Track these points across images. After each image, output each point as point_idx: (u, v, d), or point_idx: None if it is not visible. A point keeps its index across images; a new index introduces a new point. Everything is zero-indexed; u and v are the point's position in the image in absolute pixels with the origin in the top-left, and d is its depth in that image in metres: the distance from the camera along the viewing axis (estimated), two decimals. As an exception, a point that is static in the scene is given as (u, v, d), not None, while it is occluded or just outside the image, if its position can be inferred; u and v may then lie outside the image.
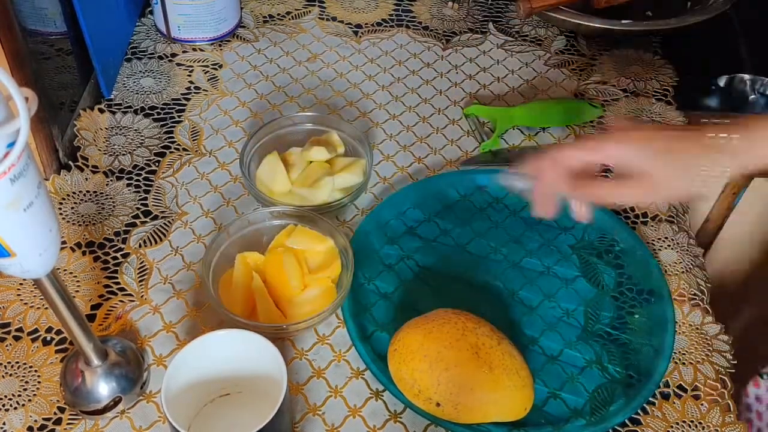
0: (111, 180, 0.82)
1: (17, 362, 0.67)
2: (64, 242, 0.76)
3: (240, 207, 0.81)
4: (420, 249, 0.77)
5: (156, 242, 0.77)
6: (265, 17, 1.06)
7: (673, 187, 0.55)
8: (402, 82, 0.97)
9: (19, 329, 0.69)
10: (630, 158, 0.55)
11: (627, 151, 0.55)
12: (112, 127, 0.88)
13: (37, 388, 0.65)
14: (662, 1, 1.07)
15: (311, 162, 0.81)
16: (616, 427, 0.64)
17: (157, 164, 0.84)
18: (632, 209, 0.82)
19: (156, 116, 0.90)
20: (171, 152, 0.86)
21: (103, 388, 0.62)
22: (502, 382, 0.59)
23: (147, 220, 0.79)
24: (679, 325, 0.72)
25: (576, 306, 0.73)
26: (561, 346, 0.69)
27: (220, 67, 0.98)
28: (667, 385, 0.68)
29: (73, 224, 0.78)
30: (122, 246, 0.76)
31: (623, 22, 1.00)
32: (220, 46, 1.01)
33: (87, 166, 0.84)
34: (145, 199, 0.81)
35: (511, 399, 0.60)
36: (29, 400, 0.64)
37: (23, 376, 0.66)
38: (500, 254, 0.77)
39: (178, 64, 0.97)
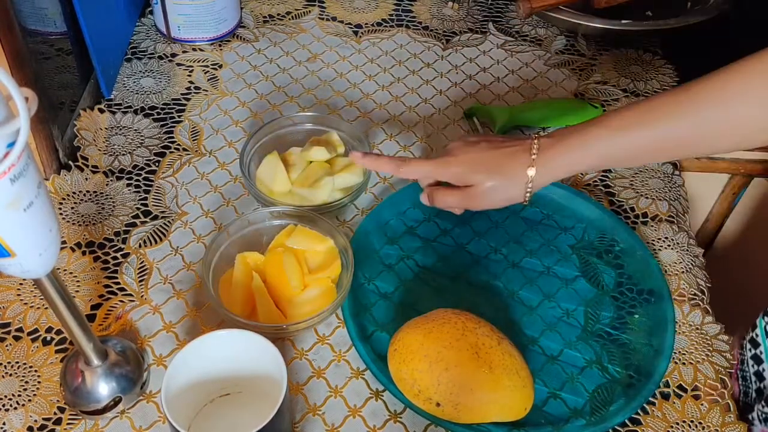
0: (111, 180, 0.82)
1: (17, 362, 0.67)
2: (64, 242, 0.76)
3: (240, 207, 0.81)
4: (420, 249, 0.77)
5: (156, 242, 0.77)
6: (265, 17, 1.06)
7: (495, 198, 0.69)
8: (402, 82, 0.97)
9: (19, 329, 0.69)
10: (465, 176, 0.69)
11: (463, 170, 0.69)
12: (112, 127, 0.88)
13: (37, 388, 0.65)
14: (662, 1, 1.07)
15: (311, 162, 0.81)
16: (616, 427, 0.64)
17: (157, 164, 0.84)
18: (632, 209, 0.82)
19: (156, 116, 0.90)
20: (171, 152, 0.86)
21: (103, 388, 0.62)
22: (502, 382, 0.59)
23: (147, 220, 0.79)
24: (679, 325, 0.72)
25: (576, 306, 0.73)
26: (561, 346, 0.69)
27: (220, 67, 0.98)
28: (667, 385, 0.68)
29: (73, 224, 0.78)
30: (122, 246, 0.76)
31: (623, 22, 1.00)
32: (220, 46, 1.01)
33: (87, 166, 0.84)
34: (145, 199, 0.81)
35: (511, 399, 0.60)
36: (29, 400, 0.64)
37: (23, 376, 0.66)
38: (500, 254, 0.77)
39: (178, 64, 0.97)
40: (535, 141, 0.67)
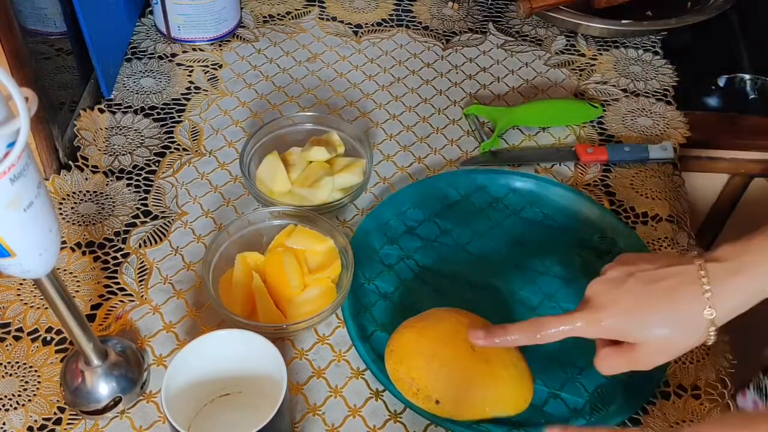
0: (111, 180, 0.82)
1: (17, 362, 0.67)
2: (64, 242, 0.76)
3: (240, 207, 0.81)
4: (420, 249, 0.77)
5: (156, 242, 0.77)
6: (265, 17, 1.06)
7: (671, 352, 0.56)
8: (402, 82, 0.97)
9: (19, 329, 0.69)
10: (624, 332, 0.56)
11: (620, 324, 0.55)
12: (112, 127, 0.88)
13: (37, 388, 0.65)
14: (662, 1, 1.07)
15: (311, 162, 0.81)
16: (616, 427, 0.64)
17: (157, 164, 0.84)
18: (632, 209, 0.82)
19: (156, 116, 0.90)
20: (171, 152, 0.86)
21: (103, 388, 0.62)
22: (499, 374, 0.59)
23: (147, 220, 0.79)
24: (679, 325, 0.72)
25: (576, 306, 0.72)
26: (561, 346, 0.69)
27: (220, 67, 0.98)
28: (667, 384, 0.68)
29: (73, 224, 0.78)
30: (122, 246, 0.76)
31: (623, 22, 1.00)
32: (220, 46, 1.01)
33: (87, 166, 0.84)
34: (145, 199, 0.81)
35: (510, 391, 0.60)
36: (29, 400, 0.64)
37: (23, 376, 0.66)
38: (500, 254, 0.77)
39: (178, 64, 0.97)
40: (701, 268, 0.53)
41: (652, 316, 0.54)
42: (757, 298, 0.52)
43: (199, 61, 0.98)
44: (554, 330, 0.57)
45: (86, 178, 0.82)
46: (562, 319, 0.57)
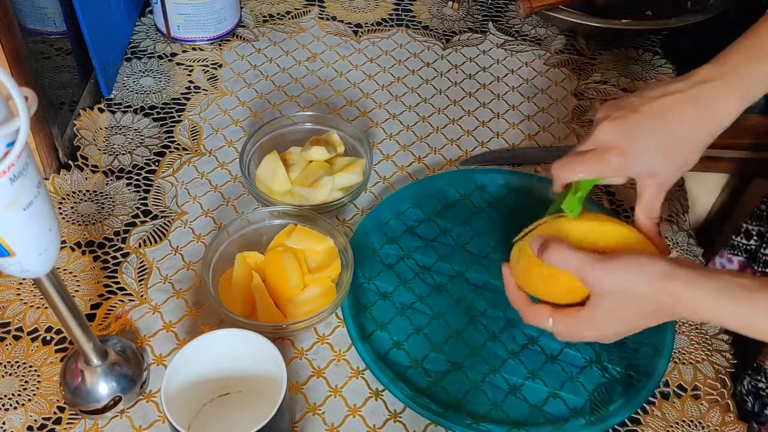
0: (111, 179, 0.82)
1: (17, 362, 0.67)
2: (63, 242, 0.76)
3: (240, 206, 0.81)
4: (420, 248, 0.77)
5: (156, 242, 0.77)
6: (264, 17, 1.06)
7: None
8: (402, 82, 0.97)
9: (19, 329, 0.69)
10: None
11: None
12: (111, 127, 0.88)
13: (37, 388, 0.65)
14: (662, 0, 1.07)
15: (311, 161, 0.81)
16: (615, 426, 0.64)
17: (156, 164, 0.84)
18: (632, 209, 0.82)
19: (156, 116, 0.90)
20: (171, 152, 0.86)
21: (103, 388, 0.62)
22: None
23: (147, 219, 0.79)
24: (679, 325, 0.72)
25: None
26: (561, 346, 0.69)
27: (220, 66, 0.98)
28: (666, 384, 0.68)
29: (73, 224, 0.78)
30: (122, 246, 0.76)
31: (623, 21, 1.00)
32: (219, 45, 1.01)
33: (87, 166, 0.84)
34: (145, 198, 0.81)
35: None
36: (29, 400, 0.64)
37: (23, 376, 0.66)
38: (500, 253, 0.77)
39: (178, 64, 0.97)
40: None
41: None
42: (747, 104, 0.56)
43: (198, 61, 0.98)
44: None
45: (86, 178, 0.82)
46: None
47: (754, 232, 0.69)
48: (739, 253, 0.73)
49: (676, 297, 0.51)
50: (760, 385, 0.65)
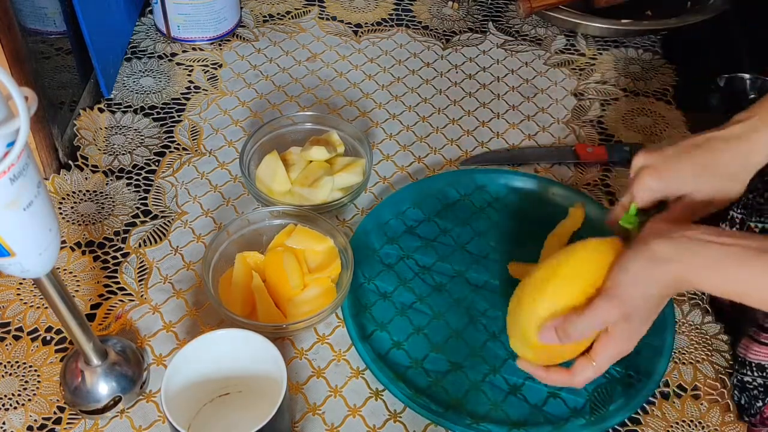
0: (111, 179, 0.82)
1: (17, 362, 0.67)
2: (63, 242, 0.76)
3: (240, 206, 0.81)
4: (420, 248, 0.77)
5: (156, 242, 0.77)
6: (264, 17, 1.06)
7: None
8: (402, 82, 0.97)
9: (19, 329, 0.69)
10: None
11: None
12: (111, 127, 0.88)
13: (37, 388, 0.65)
14: (662, 0, 1.07)
15: (311, 161, 0.81)
16: (615, 426, 0.64)
17: (156, 164, 0.84)
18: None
19: (156, 116, 0.90)
20: (171, 152, 0.86)
21: (103, 388, 0.62)
22: None
23: (147, 219, 0.79)
24: (679, 325, 0.72)
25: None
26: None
27: (220, 66, 0.98)
28: (666, 384, 0.68)
29: (73, 224, 0.78)
30: (122, 245, 0.76)
31: (623, 21, 1.00)
32: (219, 45, 1.01)
33: (87, 166, 0.84)
34: (145, 198, 0.81)
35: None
36: (29, 400, 0.64)
37: (23, 376, 0.66)
38: (500, 253, 0.77)
39: (178, 64, 0.97)
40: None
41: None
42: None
43: (198, 61, 0.98)
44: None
45: (86, 178, 0.82)
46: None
47: (737, 220, 0.70)
48: None
49: (666, 275, 0.53)
50: (746, 378, 0.65)
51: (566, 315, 0.57)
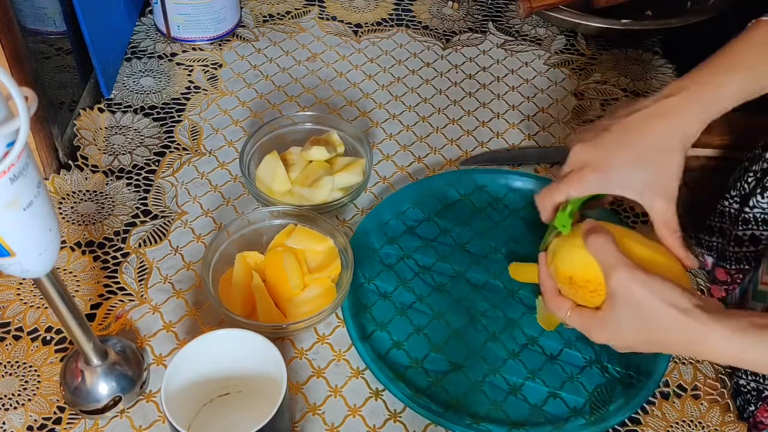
0: (111, 179, 0.82)
1: (17, 362, 0.67)
2: (63, 242, 0.76)
3: (240, 206, 0.81)
4: (420, 248, 0.77)
5: (156, 242, 0.77)
6: (264, 17, 1.06)
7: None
8: (402, 82, 0.97)
9: (19, 329, 0.69)
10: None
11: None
12: (111, 127, 0.88)
13: (37, 388, 0.65)
14: (662, 0, 1.07)
15: (311, 161, 0.81)
16: (615, 426, 0.64)
17: (156, 164, 0.84)
18: (632, 209, 0.82)
19: (156, 116, 0.90)
20: (171, 152, 0.86)
21: (103, 388, 0.62)
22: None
23: (147, 219, 0.79)
24: (679, 325, 0.72)
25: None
26: (561, 346, 0.69)
27: (220, 66, 0.98)
28: (666, 384, 0.68)
29: (73, 224, 0.78)
30: (122, 245, 0.76)
31: (623, 21, 1.00)
32: (219, 45, 1.01)
33: (87, 166, 0.84)
34: (145, 198, 0.81)
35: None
36: (29, 400, 0.64)
37: (23, 376, 0.66)
38: (500, 254, 0.77)
39: (178, 64, 0.97)
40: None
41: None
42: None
43: (198, 61, 0.98)
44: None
45: (86, 178, 0.82)
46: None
47: (716, 229, 0.70)
48: (711, 253, 0.74)
49: (687, 334, 0.51)
50: (741, 382, 0.65)
51: (608, 230, 0.56)
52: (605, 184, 0.60)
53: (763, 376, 0.64)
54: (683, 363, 0.69)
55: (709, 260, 0.74)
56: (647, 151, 0.59)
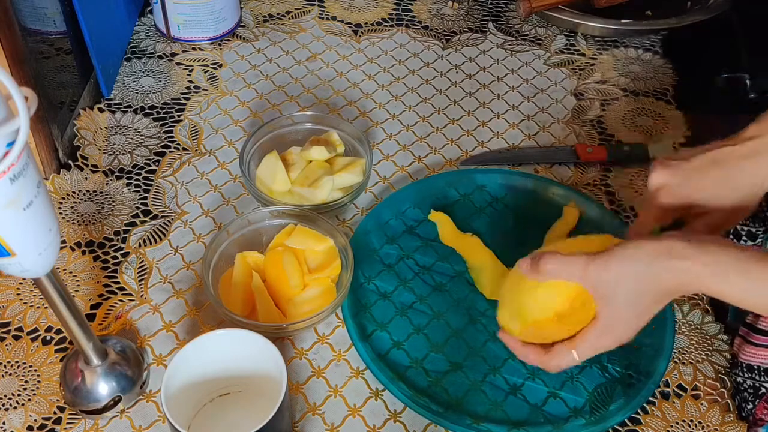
0: (111, 179, 0.82)
1: (17, 362, 0.67)
2: (63, 242, 0.76)
3: (240, 206, 0.81)
4: (420, 248, 0.77)
5: (156, 242, 0.77)
6: (264, 16, 1.06)
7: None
8: (402, 82, 0.97)
9: (19, 329, 0.69)
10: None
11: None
12: (111, 127, 0.88)
13: (37, 388, 0.65)
14: (662, 0, 1.07)
15: (311, 161, 0.81)
16: (615, 426, 0.64)
17: (156, 164, 0.84)
18: (632, 208, 0.82)
19: (156, 116, 0.90)
20: (171, 152, 0.86)
21: (103, 388, 0.62)
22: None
23: (147, 219, 0.79)
24: (679, 325, 0.72)
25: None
26: (561, 346, 0.69)
27: (220, 66, 0.98)
28: (666, 384, 0.68)
29: (73, 224, 0.78)
30: (122, 245, 0.76)
31: (623, 21, 1.00)
32: (219, 45, 1.01)
33: (87, 166, 0.84)
34: (145, 198, 0.81)
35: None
36: (29, 400, 0.64)
37: (23, 376, 0.66)
38: (500, 254, 0.76)
39: (178, 64, 0.97)
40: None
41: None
42: None
43: (198, 61, 0.98)
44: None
45: (86, 178, 0.82)
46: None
47: (743, 232, 0.70)
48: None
49: (676, 273, 0.51)
50: (739, 379, 0.65)
51: (549, 250, 0.55)
52: (685, 202, 0.59)
53: (760, 373, 0.64)
54: (683, 363, 0.69)
55: None
56: (727, 183, 0.58)
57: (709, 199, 0.59)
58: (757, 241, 0.68)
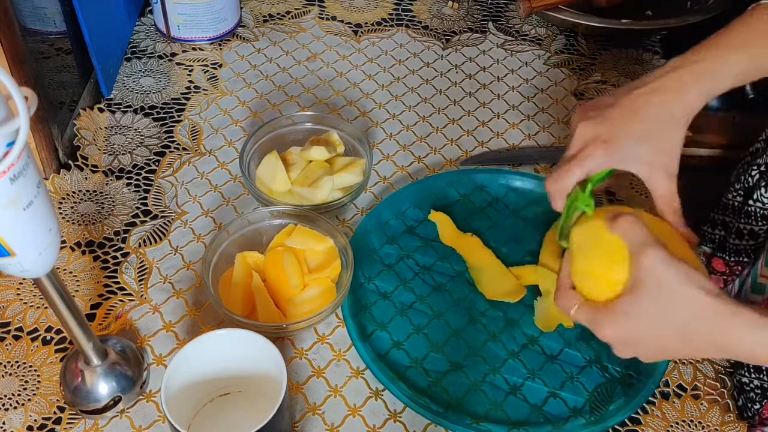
0: (111, 179, 0.82)
1: (17, 362, 0.67)
2: (63, 242, 0.76)
3: (240, 206, 0.81)
4: (420, 248, 0.77)
5: (156, 242, 0.77)
6: (264, 17, 1.06)
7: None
8: (402, 82, 0.97)
9: (19, 329, 0.69)
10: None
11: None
12: (111, 127, 0.88)
13: (37, 388, 0.65)
14: (662, 0, 1.07)
15: (311, 161, 0.81)
16: (615, 426, 0.64)
17: (156, 164, 0.84)
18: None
19: (156, 116, 0.90)
20: (171, 152, 0.86)
21: (103, 388, 0.62)
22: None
23: (147, 219, 0.79)
24: (679, 325, 0.72)
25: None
26: (561, 346, 0.69)
27: (220, 66, 0.98)
28: (666, 384, 0.68)
29: (73, 224, 0.78)
30: (122, 245, 0.76)
31: (623, 21, 1.00)
32: (219, 45, 1.01)
33: (87, 166, 0.84)
34: (145, 198, 0.81)
35: None
36: (29, 400, 0.64)
37: (23, 376, 0.66)
38: (500, 254, 0.77)
39: (178, 64, 0.97)
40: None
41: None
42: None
43: (198, 61, 0.98)
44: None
45: (86, 178, 0.82)
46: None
47: (745, 231, 0.70)
48: (710, 245, 0.74)
49: (712, 319, 0.49)
50: (744, 380, 0.65)
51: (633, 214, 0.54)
52: (612, 158, 0.58)
53: None
54: (683, 363, 0.69)
55: (706, 251, 0.74)
56: (651, 124, 0.58)
57: (633, 152, 0.57)
58: (759, 240, 0.68)
